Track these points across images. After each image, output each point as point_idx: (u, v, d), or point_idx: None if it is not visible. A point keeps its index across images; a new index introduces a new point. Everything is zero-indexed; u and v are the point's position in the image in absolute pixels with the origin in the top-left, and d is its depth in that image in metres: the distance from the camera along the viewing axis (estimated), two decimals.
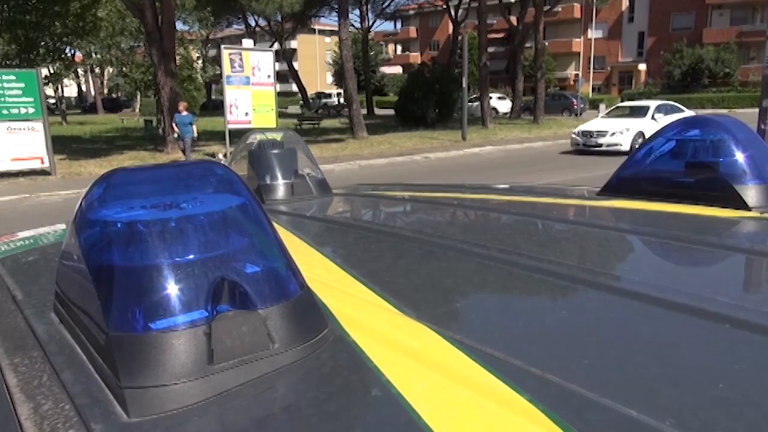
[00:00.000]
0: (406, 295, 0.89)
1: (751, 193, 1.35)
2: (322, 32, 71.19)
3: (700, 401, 0.58)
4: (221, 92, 17.54)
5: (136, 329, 0.60)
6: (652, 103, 19.40)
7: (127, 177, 0.74)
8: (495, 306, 0.89)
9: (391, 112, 34.20)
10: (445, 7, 39.78)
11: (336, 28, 25.38)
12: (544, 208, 1.70)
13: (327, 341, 0.69)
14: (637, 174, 1.57)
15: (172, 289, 0.62)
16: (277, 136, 1.86)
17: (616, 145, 16.60)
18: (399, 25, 67.65)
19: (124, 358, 0.59)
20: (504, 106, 37.12)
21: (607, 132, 17.09)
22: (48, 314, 0.83)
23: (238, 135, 18.38)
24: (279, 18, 40.97)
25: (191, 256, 0.64)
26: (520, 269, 1.00)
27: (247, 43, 17.85)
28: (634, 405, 0.55)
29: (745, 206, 1.34)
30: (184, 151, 15.73)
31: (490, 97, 28.95)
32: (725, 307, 0.77)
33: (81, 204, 0.72)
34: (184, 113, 15.72)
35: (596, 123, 18.46)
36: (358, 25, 40.87)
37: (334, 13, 38.70)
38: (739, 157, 1.40)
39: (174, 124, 15.76)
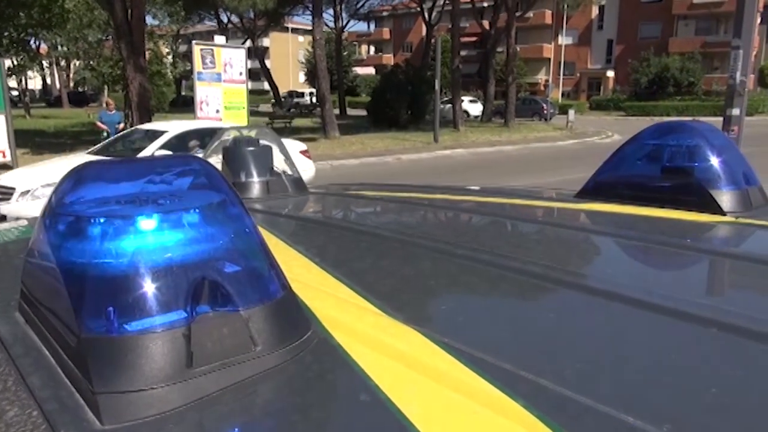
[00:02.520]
0: (390, 296, 0.87)
1: (725, 199, 1.38)
2: (295, 31, 70.79)
3: (695, 405, 0.57)
4: (191, 88, 17.27)
5: (110, 331, 0.56)
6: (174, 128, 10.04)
7: (100, 170, 0.70)
8: (480, 308, 0.88)
9: (363, 112, 34.17)
10: (418, 9, 39.97)
11: (309, 27, 25.27)
12: (523, 210, 1.71)
13: (311, 344, 0.67)
14: (614, 178, 1.60)
15: (149, 288, 0.58)
16: (253, 133, 1.83)
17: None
18: (372, 26, 67.71)
19: (97, 362, 0.55)
20: (475, 109, 37.42)
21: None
22: (12, 314, 0.79)
23: None
24: (252, 15, 40.61)
25: (169, 254, 0.61)
26: (502, 270, 0.99)
27: (220, 39, 17.64)
28: (629, 410, 0.54)
29: (720, 211, 1.37)
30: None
31: (462, 100, 29.15)
32: (709, 310, 0.78)
33: (51, 198, 0.69)
34: (113, 111, 14.49)
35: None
36: (332, 24, 40.76)
37: (308, 12, 38.55)
38: (715, 162, 1.43)
39: (99, 122, 14.37)
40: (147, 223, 0.61)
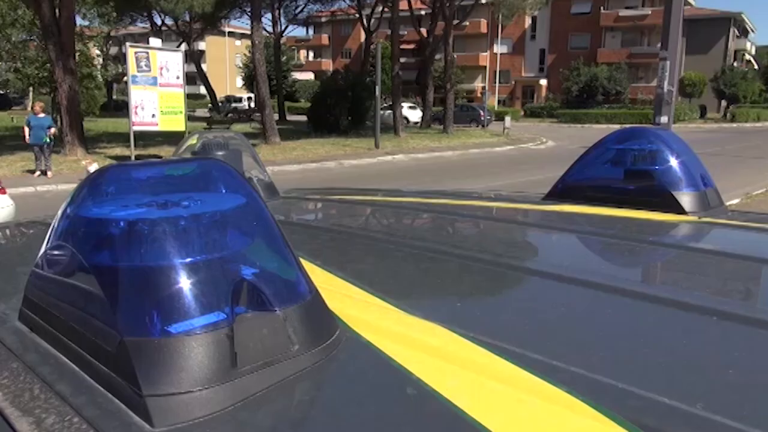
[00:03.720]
0: (402, 295, 0.89)
1: (686, 199, 1.48)
2: (232, 35, 69.60)
3: (719, 385, 0.61)
4: (123, 92, 16.70)
5: (154, 334, 0.56)
6: None
7: (124, 174, 0.70)
8: (491, 303, 0.92)
9: (302, 118, 33.96)
10: (357, 16, 40.12)
11: (247, 31, 24.91)
12: (501, 212, 1.77)
13: (340, 343, 0.67)
14: (580, 181, 1.67)
15: (191, 290, 0.58)
16: (222, 137, 1.81)
17: None
18: (311, 31, 67.41)
19: (142, 365, 0.55)
20: (415, 115, 37.85)
21: None
22: (12, 323, 0.76)
23: (143, 138, 17.67)
24: (187, 18, 39.66)
25: (206, 256, 0.61)
26: (498, 268, 1.04)
27: (155, 41, 17.13)
28: (661, 391, 0.57)
29: (682, 211, 1.46)
30: (39, 160, 13.55)
31: (402, 107, 29.44)
32: (713, 302, 0.85)
33: (72, 203, 0.68)
34: (41, 115, 13.72)
35: None
36: (270, 29, 40.36)
37: (246, 16, 38.03)
38: (675, 166, 1.52)
39: (27, 127, 13.55)
40: (183, 224, 0.61)
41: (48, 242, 0.71)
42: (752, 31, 69.47)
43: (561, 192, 1.69)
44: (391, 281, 0.98)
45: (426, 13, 37.78)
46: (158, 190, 0.67)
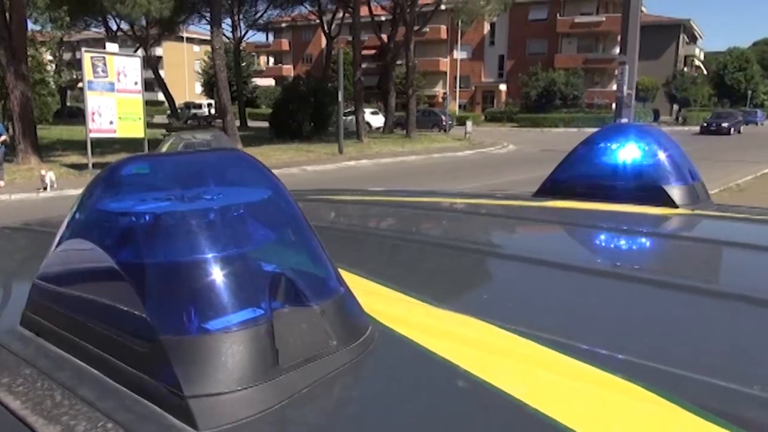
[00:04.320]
0: (422, 289, 0.87)
1: (676, 193, 1.50)
2: (190, 40, 68.61)
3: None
4: (78, 99, 16.24)
5: (191, 331, 0.53)
6: None
7: (146, 166, 0.67)
8: (517, 294, 0.90)
9: (263, 124, 33.68)
10: (318, 21, 40.05)
11: (205, 37, 24.58)
12: (492, 208, 1.78)
13: (374, 337, 0.65)
14: (570, 177, 1.69)
15: (227, 285, 0.55)
16: (207, 136, 1.76)
17: None
18: (271, 37, 67.00)
19: (182, 364, 0.51)
20: (377, 120, 37.94)
21: None
22: (15, 328, 0.72)
23: (100, 145, 17.21)
24: (144, 23, 38.89)
25: (240, 249, 0.59)
26: (512, 261, 1.04)
27: (112, 46, 16.73)
28: (713, 374, 0.57)
29: (673, 204, 1.49)
30: None
31: (364, 112, 29.49)
32: (742, 289, 0.86)
33: (90, 198, 0.65)
34: None
35: None
36: (230, 34, 39.90)
37: (204, 21, 37.57)
38: (665, 160, 1.55)
39: None
40: (213, 217, 0.59)
41: (60, 240, 0.67)
42: (700, 37, 72.13)
43: (550, 189, 1.70)
44: (408, 276, 0.97)
45: (386, 19, 37.95)
46: (181, 182, 0.64)
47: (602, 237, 1.30)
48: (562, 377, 0.57)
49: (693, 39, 69.45)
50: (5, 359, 0.67)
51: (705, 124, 39.48)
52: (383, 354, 0.63)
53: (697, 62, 70.65)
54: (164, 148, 2.08)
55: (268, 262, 0.62)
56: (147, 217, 0.59)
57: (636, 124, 1.70)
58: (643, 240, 1.27)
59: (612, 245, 1.25)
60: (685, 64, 65.01)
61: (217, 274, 0.55)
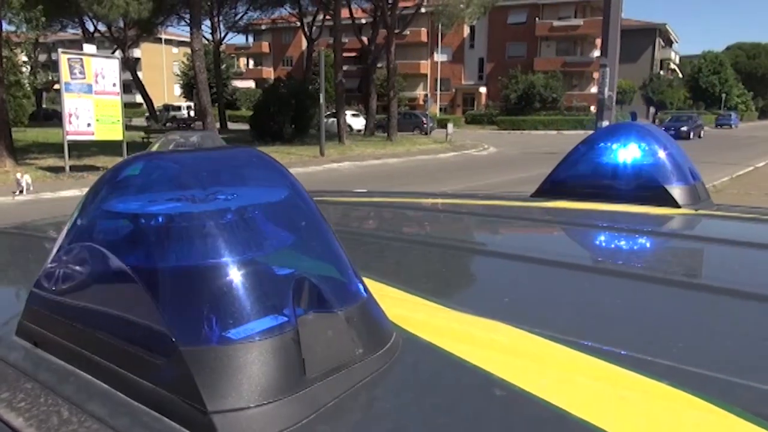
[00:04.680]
0: (440, 292, 0.84)
1: (678, 193, 1.49)
2: (169, 42, 67.96)
3: None
4: (54, 101, 15.97)
5: (212, 341, 0.49)
6: None
7: (153, 165, 0.63)
8: (537, 297, 0.88)
9: (244, 126, 33.45)
10: (298, 23, 39.92)
11: (184, 38, 24.35)
12: (505, 210, 1.76)
13: (399, 344, 0.61)
14: (570, 177, 1.68)
15: (249, 290, 0.52)
16: (195, 138, 1.72)
17: None
18: (251, 39, 66.64)
19: (203, 377, 0.47)
20: (358, 123, 37.92)
21: None
22: (10, 338, 0.67)
23: (77, 148, 16.92)
24: (121, 24, 38.43)
25: (262, 252, 0.56)
26: (524, 263, 1.02)
27: (89, 48, 16.48)
28: (754, 378, 0.55)
29: (675, 204, 1.48)
30: None
31: (345, 114, 29.45)
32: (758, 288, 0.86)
33: (97, 199, 0.61)
34: None
35: None
36: (209, 36, 39.60)
37: (183, 23, 37.26)
38: (666, 160, 1.54)
39: None
40: (231, 218, 0.55)
41: (62, 244, 0.63)
42: (676, 41, 73.36)
43: (549, 190, 1.69)
44: (422, 279, 0.94)
45: (367, 22, 37.99)
46: (193, 182, 0.59)
47: (618, 238, 1.29)
48: (604, 384, 0.55)
49: (669, 43, 70.62)
50: (3, 372, 0.62)
51: (663, 129, 38.59)
52: (411, 362, 0.60)
53: (672, 66, 71.83)
54: (155, 146, 2.00)
55: (289, 265, 0.57)
56: (161, 219, 0.55)
57: (636, 123, 1.69)
58: (660, 241, 1.26)
59: (629, 246, 1.24)
60: (661, 68, 66.07)
61: (238, 279, 0.51)
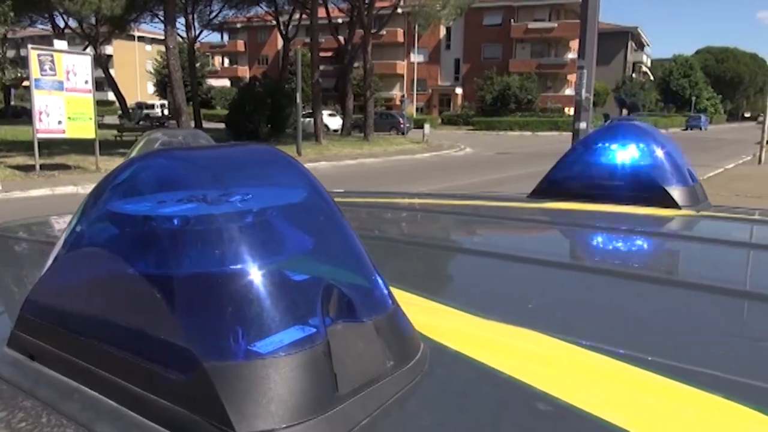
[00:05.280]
0: (457, 297, 0.80)
1: (678, 194, 1.48)
2: (141, 39, 66.98)
3: None
4: (22, 98, 15.59)
5: (238, 356, 0.45)
6: None
7: (164, 164, 0.58)
8: (561, 303, 0.84)
9: (219, 125, 33.12)
10: (274, 22, 39.63)
11: (157, 36, 23.99)
12: (499, 211, 1.74)
13: (427, 355, 0.58)
14: (569, 178, 1.66)
15: (275, 299, 0.47)
16: (182, 136, 1.66)
17: None
18: (226, 37, 65.97)
19: (230, 396, 0.43)
20: (335, 123, 37.79)
21: None
22: (1, 349, 0.61)
23: (48, 146, 16.55)
24: (93, 20, 37.72)
25: (287, 257, 0.52)
26: (546, 265, 1.00)
27: (60, 44, 16.12)
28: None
29: (675, 205, 1.47)
30: None
31: (322, 114, 29.34)
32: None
33: (102, 199, 0.57)
34: None
35: None
36: (183, 34, 39.07)
37: (157, 20, 36.66)
38: (666, 160, 1.54)
39: None
40: (255, 221, 0.51)
41: (64, 248, 0.59)
42: (647, 44, 74.68)
43: (546, 190, 1.68)
44: (438, 284, 0.90)
45: (344, 21, 37.89)
46: (207, 181, 0.55)
47: (635, 241, 1.26)
48: (660, 399, 0.51)
49: (641, 46, 71.84)
50: None
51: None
52: (443, 374, 0.56)
53: (644, 68, 73.09)
54: (138, 148, 1.88)
55: (315, 271, 0.53)
56: (176, 221, 0.50)
57: (634, 123, 1.68)
58: (675, 243, 1.25)
59: (648, 250, 1.21)
60: (633, 71, 67.16)
61: (264, 287, 0.47)
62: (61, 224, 1.48)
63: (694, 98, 64.84)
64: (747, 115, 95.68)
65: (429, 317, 0.69)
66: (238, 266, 0.47)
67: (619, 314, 0.77)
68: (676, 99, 64.50)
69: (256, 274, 0.47)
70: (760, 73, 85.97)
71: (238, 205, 0.52)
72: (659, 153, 1.55)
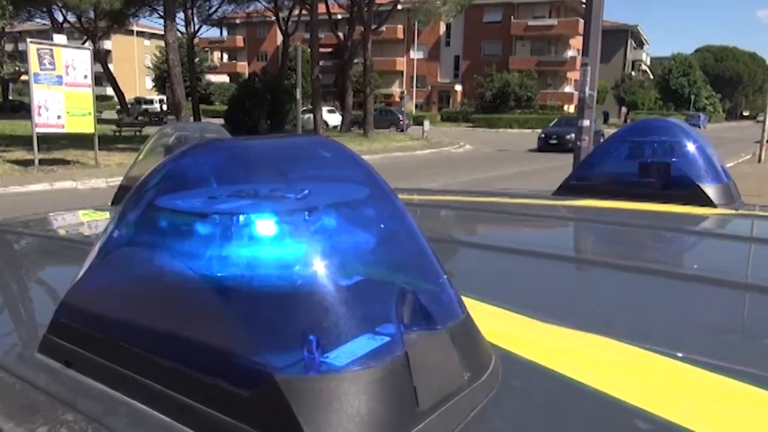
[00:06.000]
0: (520, 302, 0.75)
1: (713, 192, 1.43)
2: (140, 34, 66.73)
3: None
4: (21, 92, 15.51)
5: (313, 368, 0.41)
6: None
7: (217, 156, 0.52)
8: (627, 307, 0.79)
9: (218, 121, 33.05)
10: (274, 18, 39.49)
11: (156, 30, 23.90)
12: (513, 207, 1.69)
13: (500, 366, 0.53)
14: (597, 175, 1.62)
15: (351, 307, 0.43)
16: (197, 131, 1.62)
17: None
18: (226, 32, 65.78)
19: (306, 412, 0.39)
20: (334, 119, 37.70)
21: None
22: (32, 355, 0.56)
23: (46, 140, 16.47)
24: (92, 15, 37.57)
25: (360, 261, 0.47)
26: (597, 267, 0.97)
27: (60, 38, 16.04)
28: None
29: (711, 204, 1.41)
30: None
31: (321, 110, 29.28)
32: None
33: (150, 194, 0.51)
34: None
35: None
36: (183, 29, 38.94)
37: (155, 15, 36.53)
38: (699, 157, 1.48)
39: None
40: (323, 220, 0.46)
41: (106, 246, 0.53)
42: (647, 42, 74.66)
43: (574, 187, 1.63)
44: (497, 288, 0.86)
45: (343, 17, 37.76)
46: (264, 176, 0.50)
47: (685, 242, 1.22)
48: (760, 414, 0.47)
49: (640, 44, 71.81)
50: (32, 398, 0.50)
51: (543, 136, 24.54)
52: (520, 386, 0.52)
53: (644, 67, 73.07)
54: (150, 144, 1.78)
55: (386, 275, 0.49)
56: (238, 219, 0.44)
57: (664, 119, 1.64)
58: (726, 245, 1.21)
59: (703, 251, 1.17)
60: (632, 69, 67.13)
61: (337, 293, 0.43)
62: (61, 221, 1.43)
63: (693, 97, 64.81)
64: (745, 113, 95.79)
65: (495, 323, 0.63)
66: (309, 270, 0.43)
67: (696, 321, 0.73)
68: (675, 97, 64.44)
69: (329, 280, 0.42)
70: (759, 71, 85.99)
71: (303, 202, 0.47)
72: (691, 148, 1.49)
